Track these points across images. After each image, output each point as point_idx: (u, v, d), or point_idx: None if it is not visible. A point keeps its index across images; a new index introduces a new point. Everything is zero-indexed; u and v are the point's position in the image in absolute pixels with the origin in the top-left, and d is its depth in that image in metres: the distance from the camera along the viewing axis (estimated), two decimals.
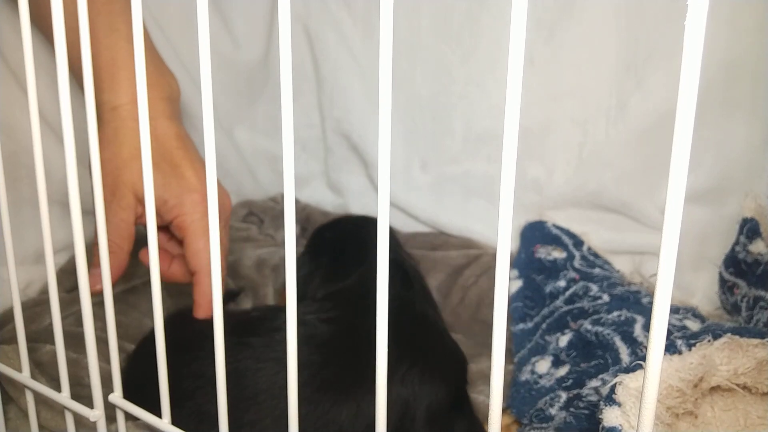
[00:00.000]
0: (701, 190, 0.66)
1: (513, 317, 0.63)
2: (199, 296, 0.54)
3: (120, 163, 0.52)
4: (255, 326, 0.52)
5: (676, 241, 0.21)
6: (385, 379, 0.28)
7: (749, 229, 0.59)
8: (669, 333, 0.46)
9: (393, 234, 0.70)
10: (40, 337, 0.55)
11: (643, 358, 0.22)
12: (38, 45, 0.57)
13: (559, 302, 0.62)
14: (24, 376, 0.43)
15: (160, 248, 0.56)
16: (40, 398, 0.45)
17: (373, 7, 0.74)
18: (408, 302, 0.57)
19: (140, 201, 0.53)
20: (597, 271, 0.65)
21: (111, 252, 0.52)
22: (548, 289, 0.64)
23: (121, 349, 0.53)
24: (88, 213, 0.37)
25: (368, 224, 0.68)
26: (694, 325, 0.54)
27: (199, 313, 0.55)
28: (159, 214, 0.54)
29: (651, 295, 0.60)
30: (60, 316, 0.40)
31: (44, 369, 0.52)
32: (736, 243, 0.60)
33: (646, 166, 0.69)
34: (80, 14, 0.33)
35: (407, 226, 0.78)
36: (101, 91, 0.38)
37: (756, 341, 0.43)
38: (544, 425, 0.48)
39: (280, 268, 0.72)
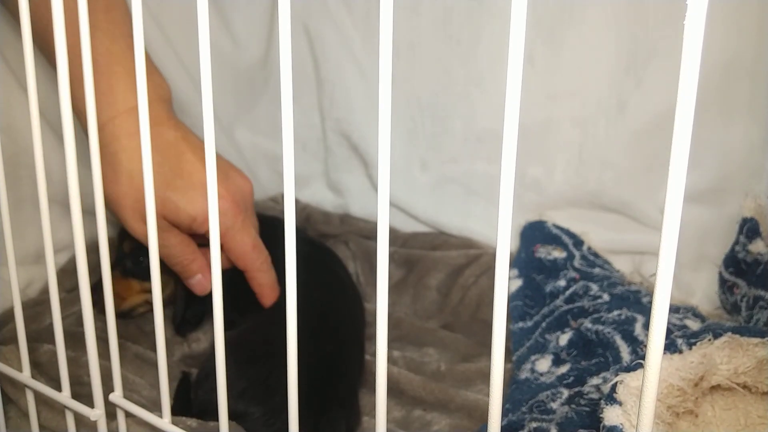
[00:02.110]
0: (701, 190, 0.66)
1: (512, 315, 0.63)
2: (258, 288, 0.58)
3: (130, 196, 0.52)
4: None
5: (675, 241, 0.21)
6: (384, 377, 0.28)
7: (749, 228, 0.59)
8: (669, 332, 0.46)
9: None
10: (40, 337, 0.55)
11: (644, 357, 0.22)
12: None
13: (559, 301, 0.62)
14: (24, 376, 0.43)
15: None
16: (40, 398, 0.45)
17: (373, 7, 0.74)
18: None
19: (166, 218, 0.53)
20: (597, 270, 0.65)
21: (202, 267, 0.57)
22: (548, 288, 0.64)
23: (121, 347, 0.53)
24: (89, 213, 0.37)
25: None
26: (694, 325, 0.54)
27: (266, 302, 0.59)
28: (191, 229, 0.55)
29: (651, 294, 0.59)
30: (60, 316, 0.40)
31: (43, 369, 0.52)
32: (736, 243, 0.60)
33: (646, 166, 0.69)
34: (81, 17, 0.33)
35: (407, 226, 0.78)
36: (77, 100, 0.33)
37: (756, 340, 0.43)
38: (545, 417, 0.48)
39: None
